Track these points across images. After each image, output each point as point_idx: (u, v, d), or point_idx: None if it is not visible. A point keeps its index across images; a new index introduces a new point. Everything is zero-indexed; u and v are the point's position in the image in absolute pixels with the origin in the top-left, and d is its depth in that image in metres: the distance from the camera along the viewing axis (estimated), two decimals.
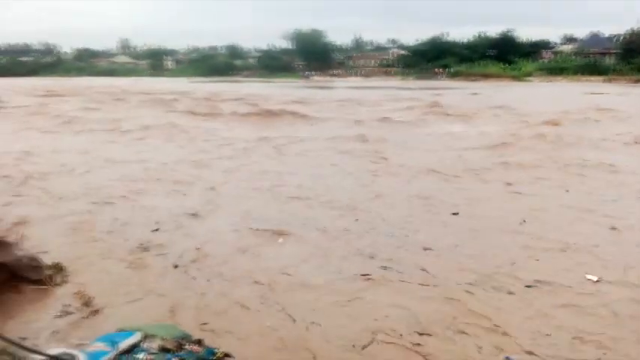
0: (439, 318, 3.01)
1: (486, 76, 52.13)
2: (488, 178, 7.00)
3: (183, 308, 3.19)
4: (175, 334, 2.60)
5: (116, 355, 2.44)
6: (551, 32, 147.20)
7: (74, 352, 2.38)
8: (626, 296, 3.30)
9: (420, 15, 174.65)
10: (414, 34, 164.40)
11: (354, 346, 2.75)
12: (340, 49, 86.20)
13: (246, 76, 69.02)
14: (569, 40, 70.46)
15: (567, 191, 6.25)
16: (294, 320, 3.02)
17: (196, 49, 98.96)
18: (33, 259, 3.80)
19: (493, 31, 66.45)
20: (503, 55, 58.56)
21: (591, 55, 53.72)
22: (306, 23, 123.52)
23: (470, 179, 6.92)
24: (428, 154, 8.89)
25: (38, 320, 3.05)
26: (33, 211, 5.32)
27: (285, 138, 10.61)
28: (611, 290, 3.41)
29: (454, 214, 5.25)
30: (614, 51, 53.25)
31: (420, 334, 2.84)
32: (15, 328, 2.90)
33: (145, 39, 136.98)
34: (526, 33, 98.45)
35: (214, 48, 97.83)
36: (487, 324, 2.94)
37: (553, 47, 66.02)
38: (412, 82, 49.29)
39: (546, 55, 61.43)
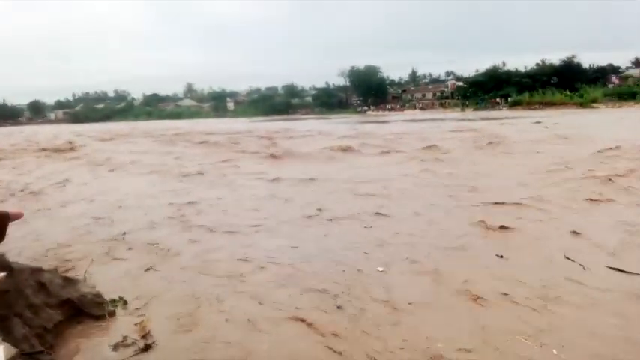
0: None
1: (548, 104, 50.58)
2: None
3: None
4: None
5: None
6: (617, 57, 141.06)
7: None
8: None
9: (477, 45, 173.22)
10: (472, 65, 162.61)
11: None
12: (396, 83, 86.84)
13: (304, 114, 70.71)
14: (639, 63, 67.16)
15: None
16: None
17: (256, 90, 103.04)
18: (97, 295, 3.95)
19: (554, 58, 64.64)
20: (567, 82, 56.71)
21: None
22: (364, 60, 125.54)
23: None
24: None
25: (98, 355, 3.14)
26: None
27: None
28: None
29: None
30: None
31: None
32: None
33: (209, 82, 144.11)
34: (590, 59, 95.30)
35: (273, 88, 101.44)
36: None
37: (621, 71, 63.23)
38: (471, 114, 48.49)
39: (614, 80, 58.89)
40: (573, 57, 61.53)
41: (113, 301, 3.99)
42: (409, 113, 58.59)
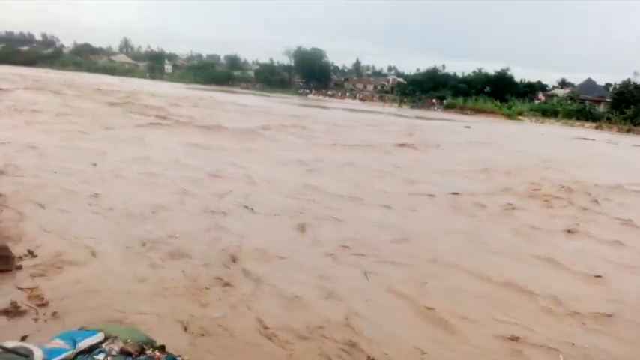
0: None
1: (479, 111, 52.83)
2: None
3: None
4: (138, 337, 2.54)
5: (75, 353, 2.37)
6: (546, 75, 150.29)
7: (31, 346, 2.30)
8: None
9: (420, 45, 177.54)
10: (413, 63, 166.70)
11: None
12: (340, 71, 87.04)
13: (244, 88, 69.31)
14: (564, 84, 71.66)
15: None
16: None
17: (197, 56, 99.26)
18: (3, 248, 3.71)
19: (490, 67, 67.31)
20: (498, 93, 59.42)
21: (585, 101, 54.51)
22: (308, 42, 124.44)
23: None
24: None
25: None
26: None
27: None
28: None
29: None
30: (607, 99, 54.21)
31: None
32: None
33: (148, 41, 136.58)
34: (522, 73, 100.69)
35: (215, 57, 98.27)
36: None
37: (548, 90, 67.13)
38: (407, 110, 49.80)
39: (541, 97, 62.44)
40: (507, 69, 64.49)
41: (20, 257, 3.77)
42: (349, 102, 59.09)
